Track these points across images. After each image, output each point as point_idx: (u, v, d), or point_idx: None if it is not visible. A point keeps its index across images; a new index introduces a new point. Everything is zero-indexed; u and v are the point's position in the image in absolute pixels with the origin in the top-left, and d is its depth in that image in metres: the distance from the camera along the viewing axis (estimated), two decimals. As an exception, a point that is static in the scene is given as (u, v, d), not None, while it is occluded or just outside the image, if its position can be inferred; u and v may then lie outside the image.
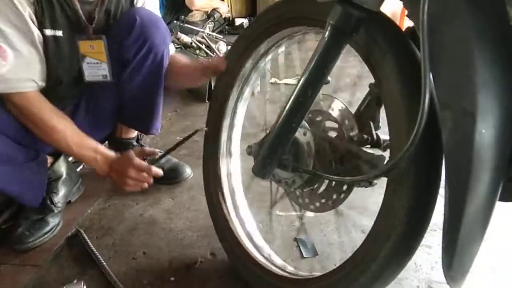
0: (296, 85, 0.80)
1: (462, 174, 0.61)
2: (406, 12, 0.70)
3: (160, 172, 1.24)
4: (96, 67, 1.29)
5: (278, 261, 1.07)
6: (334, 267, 0.89)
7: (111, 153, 1.23)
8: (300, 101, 0.80)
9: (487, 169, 0.61)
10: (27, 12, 1.12)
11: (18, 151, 1.23)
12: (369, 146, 0.88)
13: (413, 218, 0.73)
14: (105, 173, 1.23)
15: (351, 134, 0.89)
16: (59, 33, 1.21)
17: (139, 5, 1.38)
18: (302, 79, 0.78)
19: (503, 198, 0.67)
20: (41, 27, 1.16)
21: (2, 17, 1.08)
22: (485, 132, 0.59)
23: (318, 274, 0.92)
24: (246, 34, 1.10)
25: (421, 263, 1.15)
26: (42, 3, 1.15)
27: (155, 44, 1.32)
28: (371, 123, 0.89)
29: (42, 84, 1.20)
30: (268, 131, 0.97)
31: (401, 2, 0.69)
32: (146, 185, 1.22)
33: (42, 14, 1.16)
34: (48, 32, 1.18)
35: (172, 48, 1.47)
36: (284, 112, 0.83)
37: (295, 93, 0.80)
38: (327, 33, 0.74)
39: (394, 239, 0.74)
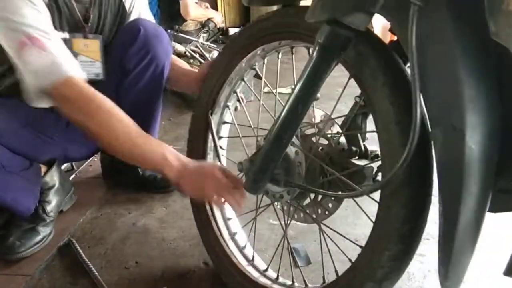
0: (287, 101, 0.80)
1: (455, 188, 0.63)
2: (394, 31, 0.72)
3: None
4: (89, 65, 1.30)
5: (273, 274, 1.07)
6: (329, 281, 0.90)
7: (183, 158, 1.00)
8: (290, 117, 0.81)
9: (477, 182, 0.63)
10: (42, 7, 1.13)
11: (12, 160, 1.22)
12: (357, 157, 0.90)
13: (408, 229, 0.74)
14: (177, 184, 0.99)
15: (340, 146, 0.90)
16: (67, 35, 1.24)
17: (127, 4, 1.39)
18: (293, 96, 0.79)
19: (491, 209, 0.69)
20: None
21: (24, 15, 1.06)
22: (474, 147, 0.61)
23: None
24: (229, 47, 1.10)
25: (414, 271, 1.16)
26: (53, 7, 1.19)
27: (157, 56, 1.34)
28: (359, 135, 0.90)
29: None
30: (259, 144, 0.98)
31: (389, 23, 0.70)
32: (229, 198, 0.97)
33: (53, 17, 1.19)
34: (60, 35, 1.21)
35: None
36: (275, 128, 0.83)
37: (285, 109, 0.81)
38: (315, 51, 0.75)
39: (390, 251, 0.75)
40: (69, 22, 1.26)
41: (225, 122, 1.18)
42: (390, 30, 0.76)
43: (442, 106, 0.64)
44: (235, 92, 1.14)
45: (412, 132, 0.61)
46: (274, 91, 1.07)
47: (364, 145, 0.91)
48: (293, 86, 0.80)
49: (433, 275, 1.15)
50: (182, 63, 1.49)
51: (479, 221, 0.66)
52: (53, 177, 1.41)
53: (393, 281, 0.79)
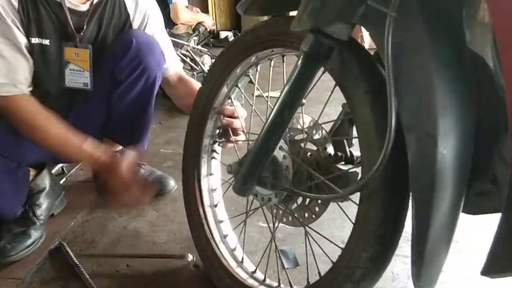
0: (273, 106, 0.84)
1: (426, 192, 0.66)
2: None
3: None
4: (78, 74, 1.33)
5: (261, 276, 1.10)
6: (312, 282, 0.92)
7: (99, 154, 1.20)
8: (277, 122, 0.84)
9: (449, 186, 0.65)
10: (10, 18, 1.16)
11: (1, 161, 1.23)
12: (343, 162, 0.93)
13: (385, 230, 0.77)
14: (92, 176, 1.23)
15: (327, 152, 0.93)
16: (46, 41, 1.25)
17: (136, 21, 1.41)
18: (279, 101, 0.82)
19: (468, 212, 0.72)
20: (27, 36, 1.21)
21: None
22: (446, 152, 0.64)
23: None
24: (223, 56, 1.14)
25: (398, 272, 1.19)
26: (28, 12, 1.20)
27: (149, 68, 1.36)
28: (345, 141, 0.93)
29: (28, 89, 1.23)
30: (250, 147, 1.01)
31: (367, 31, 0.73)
32: (138, 205, 1.21)
33: (29, 22, 1.20)
34: (34, 40, 1.23)
35: (179, 64, 1.54)
36: (263, 132, 0.86)
37: (272, 114, 0.84)
38: (300, 59, 0.78)
39: (367, 252, 0.77)
40: (60, 31, 1.28)
41: (218, 127, 1.21)
42: None
43: (416, 113, 0.67)
44: (229, 98, 1.17)
45: (388, 137, 0.64)
46: (265, 95, 1.09)
47: (350, 150, 0.94)
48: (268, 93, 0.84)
49: (416, 275, 1.18)
50: (194, 85, 1.47)
51: (452, 224, 0.68)
52: (43, 180, 1.42)
53: (371, 282, 0.81)
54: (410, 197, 0.74)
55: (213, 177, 1.23)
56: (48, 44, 1.27)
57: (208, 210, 1.20)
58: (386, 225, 0.76)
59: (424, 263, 0.67)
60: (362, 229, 0.78)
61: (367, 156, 0.78)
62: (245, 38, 1.07)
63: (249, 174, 0.91)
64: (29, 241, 1.30)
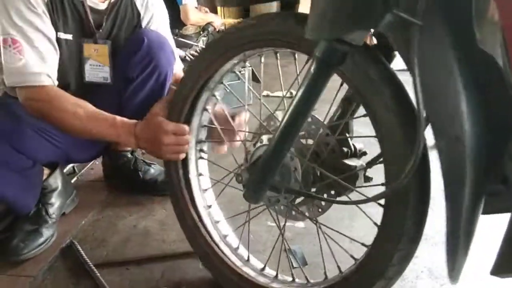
0: (285, 113, 0.83)
1: (458, 193, 0.69)
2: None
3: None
4: (98, 69, 1.38)
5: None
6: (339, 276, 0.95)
7: (131, 122, 1.18)
8: (290, 128, 0.83)
9: (474, 186, 0.69)
10: (41, 9, 1.21)
11: (15, 158, 1.25)
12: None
13: (411, 230, 0.82)
14: (134, 145, 1.20)
15: (331, 148, 0.94)
16: (69, 36, 1.31)
17: (145, 20, 1.46)
18: (292, 108, 0.81)
19: (483, 212, 0.74)
20: (54, 30, 1.26)
21: (18, 13, 1.17)
22: (473, 154, 0.67)
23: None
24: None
25: (407, 272, 1.16)
26: (56, 6, 1.25)
27: (160, 65, 1.40)
28: (347, 135, 0.93)
29: (56, 82, 1.26)
30: (248, 149, 1.01)
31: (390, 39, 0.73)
32: (186, 147, 1.12)
33: (56, 17, 1.26)
34: (60, 35, 1.28)
35: (180, 65, 1.55)
36: (275, 138, 0.85)
37: (285, 120, 0.83)
38: (314, 65, 0.77)
39: (397, 250, 0.82)
40: (80, 27, 1.34)
41: (204, 126, 1.17)
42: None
43: (444, 118, 0.69)
44: (213, 95, 1.12)
45: (418, 142, 0.67)
46: (261, 95, 1.09)
47: (353, 144, 0.95)
48: (282, 92, 0.83)
49: (425, 275, 1.19)
50: None
51: (475, 221, 0.73)
52: (56, 180, 1.44)
53: (399, 276, 0.88)
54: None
55: (203, 178, 1.21)
56: (71, 39, 1.32)
57: (203, 212, 1.18)
58: (413, 224, 0.82)
59: (458, 256, 0.72)
60: (393, 230, 0.83)
61: (392, 161, 0.80)
62: (232, 36, 1.01)
63: (261, 182, 0.91)
64: (41, 240, 1.32)
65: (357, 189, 0.92)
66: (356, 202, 0.85)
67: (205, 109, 1.14)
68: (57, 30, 1.28)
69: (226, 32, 1.06)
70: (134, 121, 1.18)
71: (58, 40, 1.29)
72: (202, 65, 1.06)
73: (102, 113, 1.20)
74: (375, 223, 0.87)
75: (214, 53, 1.03)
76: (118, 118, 1.19)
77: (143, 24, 1.47)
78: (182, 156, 1.13)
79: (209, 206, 1.20)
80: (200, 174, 1.20)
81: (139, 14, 1.45)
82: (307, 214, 0.99)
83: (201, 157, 1.19)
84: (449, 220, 0.72)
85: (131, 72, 1.40)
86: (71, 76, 1.35)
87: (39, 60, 1.20)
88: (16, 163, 1.26)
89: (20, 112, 1.24)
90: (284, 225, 1.05)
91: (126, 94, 1.43)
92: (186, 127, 1.10)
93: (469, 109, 0.66)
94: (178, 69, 1.55)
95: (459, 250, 0.72)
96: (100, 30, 1.37)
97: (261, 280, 1.07)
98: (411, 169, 0.69)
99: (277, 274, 1.08)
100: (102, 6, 1.37)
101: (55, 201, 1.42)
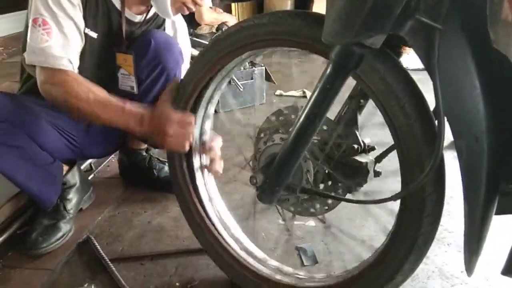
0: (300, 115, 0.84)
1: (477, 192, 0.71)
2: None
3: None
4: (126, 78, 1.41)
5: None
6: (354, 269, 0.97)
7: (139, 111, 1.16)
8: (306, 131, 0.84)
9: (491, 186, 0.71)
10: (76, 1, 1.23)
11: (38, 153, 1.29)
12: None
13: (429, 227, 0.84)
14: (140, 134, 1.18)
15: (340, 145, 0.95)
16: (94, 35, 1.32)
17: (168, 30, 1.51)
18: (307, 110, 0.82)
19: (495, 212, 0.76)
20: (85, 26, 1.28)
21: (53, 2, 1.19)
22: (491, 154, 0.68)
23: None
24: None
25: (418, 272, 1.17)
26: (90, 4, 1.28)
27: (168, 67, 1.42)
28: (356, 131, 0.94)
29: (76, 69, 1.26)
30: (259, 148, 1.02)
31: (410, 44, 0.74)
32: (190, 140, 1.11)
33: (88, 13, 1.28)
34: (87, 31, 1.30)
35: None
36: (290, 141, 0.86)
37: (300, 123, 0.84)
38: (329, 68, 0.78)
39: (414, 246, 0.85)
40: (108, 32, 1.36)
41: (209, 117, 1.18)
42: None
43: (464, 120, 0.70)
44: (220, 90, 1.13)
45: (438, 144, 0.70)
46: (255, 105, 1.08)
47: (362, 140, 0.95)
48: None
49: (436, 275, 1.19)
50: None
51: (490, 220, 0.74)
52: (74, 176, 1.48)
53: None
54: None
55: (216, 201, 1.21)
56: (95, 38, 1.33)
57: (208, 204, 1.19)
58: (430, 222, 0.84)
59: (475, 252, 0.75)
60: (410, 229, 0.85)
61: (410, 163, 0.82)
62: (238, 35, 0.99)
63: (277, 184, 0.92)
64: (60, 234, 1.36)
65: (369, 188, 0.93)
66: (374, 202, 0.86)
67: (211, 101, 1.14)
68: (86, 26, 1.29)
69: (229, 31, 1.02)
70: (141, 109, 1.17)
71: (84, 34, 1.30)
72: (212, 56, 1.04)
73: (112, 100, 1.18)
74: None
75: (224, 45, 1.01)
76: (128, 106, 1.17)
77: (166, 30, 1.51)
78: (186, 147, 1.12)
79: (211, 199, 1.21)
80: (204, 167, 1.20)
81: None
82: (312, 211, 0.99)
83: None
84: (467, 219, 0.74)
85: (139, 75, 1.42)
86: (86, 69, 1.34)
87: (64, 46, 1.22)
88: (40, 159, 1.30)
89: (39, 109, 1.28)
90: (292, 224, 1.06)
91: (136, 96, 1.43)
92: (192, 118, 1.10)
93: (487, 110, 0.68)
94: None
95: (474, 247, 0.74)
96: (127, 42, 1.39)
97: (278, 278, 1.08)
98: (431, 169, 0.72)
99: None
100: (136, 19, 1.41)
101: (73, 197, 1.46)
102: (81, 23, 1.27)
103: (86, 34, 1.30)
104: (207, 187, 1.21)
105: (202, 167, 1.20)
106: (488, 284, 1.14)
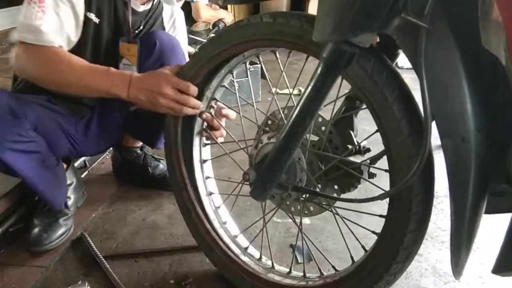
0: (292, 113, 0.84)
1: (463, 192, 0.71)
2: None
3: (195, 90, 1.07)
4: (128, 68, 1.39)
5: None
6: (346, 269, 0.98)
7: (128, 72, 1.14)
8: (297, 129, 0.85)
9: (478, 185, 0.71)
10: None
11: (49, 154, 1.29)
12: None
13: (418, 225, 0.84)
14: (126, 96, 1.11)
15: (335, 145, 0.95)
16: (97, 20, 1.31)
17: (167, 26, 1.50)
18: (299, 108, 0.83)
19: (484, 211, 0.76)
20: (86, 8, 1.26)
21: None
22: (478, 154, 0.69)
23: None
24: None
25: (411, 270, 1.19)
26: (111, 11, 1.28)
27: None
28: (351, 132, 0.94)
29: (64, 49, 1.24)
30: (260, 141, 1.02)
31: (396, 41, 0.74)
32: (185, 109, 1.07)
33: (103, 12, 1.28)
34: (90, 15, 1.28)
35: None
36: (282, 139, 0.87)
37: (291, 121, 0.84)
38: (320, 67, 0.78)
39: (404, 243, 0.85)
40: (118, 26, 1.36)
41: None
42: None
43: (451, 119, 0.70)
44: (223, 85, 1.13)
45: (425, 143, 0.70)
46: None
47: (357, 141, 0.96)
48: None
49: (429, 273, 1.19)
50: None
51: (479, 220, 0.75)
52: (71, 175, 1.48)
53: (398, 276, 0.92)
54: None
55: (207, 164, 1.22)
56: (98, 23, 1.31)
57: (205, 199, 1.19)
58: (419, 219, 0.84)
59: (462, 253, 0.74)
60: (397, 228, 0.85)
61: (398, 162, 0.82)
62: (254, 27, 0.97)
63: (269, 180, 0.92)
64: (62, 230, 1.35)
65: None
66: (363, 201, 0.86)
67: (213, 99, 1.14)
68: (88, 10, 1.27)
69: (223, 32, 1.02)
70: (129, 72, 1.14)
71: (86, 17, 1.28)
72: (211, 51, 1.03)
73: (97, 66, 1.17)
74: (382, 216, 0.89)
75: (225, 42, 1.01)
76: (112, 69, 1.15)
77: (166, 27, 1.51)
78: (184, 112, 1.08)
79: (211, 194, 1.22)
80: (204, 161, 1.20)
81: (162, 22, 1.49)
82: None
83: (207, 144, 1.21)
84: (453, 218, 0.74)
85: None
86: (86, 55, 1.32)
87: (57, 28, 1.20)
88: (49, 160, 1.30)
89: (42, 107, 1.27)
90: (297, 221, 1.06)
91: None
92: (193, 86, 1.05)
93: (475, 110, 0.68)
94: None
95: (462, 248, 0.74)
96: (136, 31, 1.40)
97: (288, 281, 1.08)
98: (417, 169, 0.72)
99: (290, 270, 1.10)
100: (141, 9, 1.40)
101: (71, 195, 1.45)
102: (81, 9, 1.25)
103: (87, 18, 1.28)
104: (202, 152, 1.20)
105: (202, 132, 1.18)
106: (482, 282, 1.15)
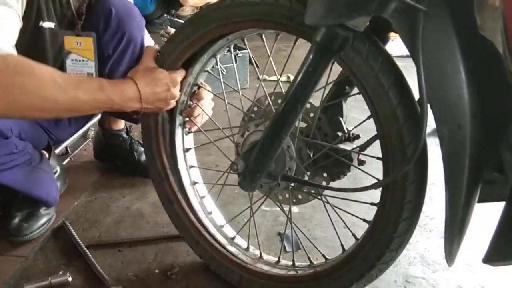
0: (283, 100, 0.81)
1: (458, 179, 0.71)
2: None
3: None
4: (81, 64, 1.25)
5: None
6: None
7: (120, 80, 1.01)
8: (288, 116, 0.82)
9: (472, 173, 0.70)
10: None
11: (34, 152, 1.26)
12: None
13: (412, 213, 0.83)
14: (138, 106, 0.99)
15: (325, 132, 0.93)
16: (52, 25, 1.22)
17: None
18: (290, 94, 0.80)
19: (478, 200, 0.75)
20: (38, 19, 1.17)
21: None
22: (474, 142, 0.68)
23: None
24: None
25: (400, 258, 1.17)
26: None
27: (133, 35, 1.31)
28: (341, 119, 0.92)
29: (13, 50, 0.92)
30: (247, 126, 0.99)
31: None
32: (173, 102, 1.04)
33: (42, 1, 1.18)
34: (44, 24, 1.19)
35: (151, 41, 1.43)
36: (271, 126, 0.84)
37: (282, 108, 0.81)
38: (313, 51, 0.75)
39: (397, 231, 0.84)
40: (60, 14, 1.24)
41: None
42: None
43: (447, 106, 0.69)
44: (206, 70, 1.09)
45: (422, 129, 0.69)
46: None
47: (347, 128, 0.94)
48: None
49: (418, 261, 1.19)
50: None
51: (472, 208, 0.74)
52: (54, 162, 1.44)
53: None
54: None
55: (191, 153, 1.18)
56: (53, 28, 1.22)
57: (189, 189, 1.16)
58: (412, 208, 0.83)
59: (454, 241, 0.74)
60: (391, 216, 0.84)
61: (392, 150, 0.80)
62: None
63: (258, 170, 0.89)
64: (43, 220, 1.31)
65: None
66: (358, 190, 0.85)
67: (195, 84, 1.10)
68: (41, 18, 1.18)
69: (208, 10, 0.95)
70: (121, 79, 1.02)
71: (41, 28, 1.19)
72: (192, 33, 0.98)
73: (81, 77, 1.07)
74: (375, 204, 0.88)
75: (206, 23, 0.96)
76: (102, 80, 0.97)
77: None
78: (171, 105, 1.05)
79: (195, 183, 1.18)
80: (187, 150, 1.17)
81: None
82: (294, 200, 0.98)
83: (190, 132, 1.17)
84: (448, 206, 0.73)
85: (105, 50, 1.30)
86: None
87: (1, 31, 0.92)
88: (34, 158, 1.25)
89: None
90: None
91: (105, 71, 1.33)
92: (181, 73, 1.03)
93: (471, 97, 0.66)
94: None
95: (455, 236, 0.74)
96: (82, 21, 1.25)
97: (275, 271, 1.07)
98: (414, 156, 0.71)
99: (279, 260, 1.08)
100: None
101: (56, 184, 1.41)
102: (17, 6, 1.02)
103: (42, 28, 1.19)
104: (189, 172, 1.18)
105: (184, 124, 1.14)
106: (470, 270, 1.15)
